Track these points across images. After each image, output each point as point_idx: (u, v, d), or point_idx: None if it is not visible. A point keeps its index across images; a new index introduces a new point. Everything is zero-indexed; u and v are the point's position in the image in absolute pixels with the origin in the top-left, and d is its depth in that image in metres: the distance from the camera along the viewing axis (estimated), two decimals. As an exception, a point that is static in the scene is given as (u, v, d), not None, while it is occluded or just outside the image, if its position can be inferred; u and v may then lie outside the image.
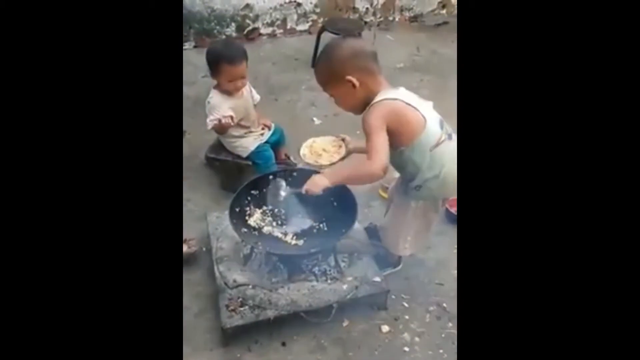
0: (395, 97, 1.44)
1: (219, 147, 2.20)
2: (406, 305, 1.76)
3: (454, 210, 2.14)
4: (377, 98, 1.45)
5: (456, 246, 2.00)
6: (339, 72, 1.44)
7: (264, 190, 1.82)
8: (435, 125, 1.47)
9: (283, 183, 1.76)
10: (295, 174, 1.87)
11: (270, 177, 1.85)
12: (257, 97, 2.29)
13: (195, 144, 2.51)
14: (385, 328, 1.66)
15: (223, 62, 2.00)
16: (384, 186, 2.24)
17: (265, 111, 2.59)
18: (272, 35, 3.76)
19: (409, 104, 1.44)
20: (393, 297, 1.78)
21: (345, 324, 1.68)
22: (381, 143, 1.38)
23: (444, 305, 1.76)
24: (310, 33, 3.78)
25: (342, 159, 1.67)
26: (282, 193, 1.73)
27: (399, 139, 1.44)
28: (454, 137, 1.50)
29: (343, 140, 1.71)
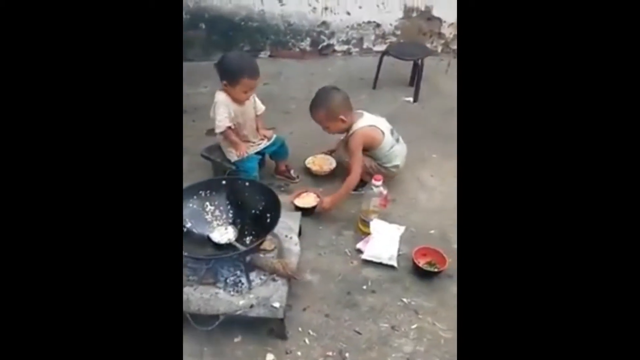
0: (365, 124, 2.24)
1: (214, 148, 2.35)
2: (307, 342, 1.65)
3: (420, 262, 1.92)
4: (355, 127, 2.25)
5: (402, 298, 1.81)
6: (335, 114, 2.21)
7: (213, 193, 1.90)
8: (389, 135, 2.28)
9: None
10: (247, 184, 1.91)
11: (223, 182, 1.92)
12: (261, 107, 2.38)
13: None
14: (269, 357, 1.59)
15: (244, 75, 2.10)
16: (364, 220, 2.12)
17: (300, 122, 2.68)
18: (347, 53, 3.79)
19: (373, 125, 2.26)
20: (299, 329, 1.69)
21: (237, 339, 1.65)
22: (357, 162, 2.20)
23: (346, 355, 1.60)
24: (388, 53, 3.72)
25: (334, 169, 2.50)
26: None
27: (371, 146, 2.27)
28: (400, 140, 2.36)
29: (330, 154, 2.58)
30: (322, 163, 2.52)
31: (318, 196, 2.28)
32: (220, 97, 2.19)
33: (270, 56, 3.72)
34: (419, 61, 3.14)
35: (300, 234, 2.05)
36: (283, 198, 2.34)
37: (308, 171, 2.51)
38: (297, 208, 2.24)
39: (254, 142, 2.35)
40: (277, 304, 1.63)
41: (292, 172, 2.49)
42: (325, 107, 2.21)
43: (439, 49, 3.78)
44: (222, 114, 2.17)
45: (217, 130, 2.22)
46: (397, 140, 2.33)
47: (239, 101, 2.21)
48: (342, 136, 2.39)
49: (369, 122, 2.25)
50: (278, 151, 2.42)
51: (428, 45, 3.58)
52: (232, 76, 2.12)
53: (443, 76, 3.46)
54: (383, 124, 2.30)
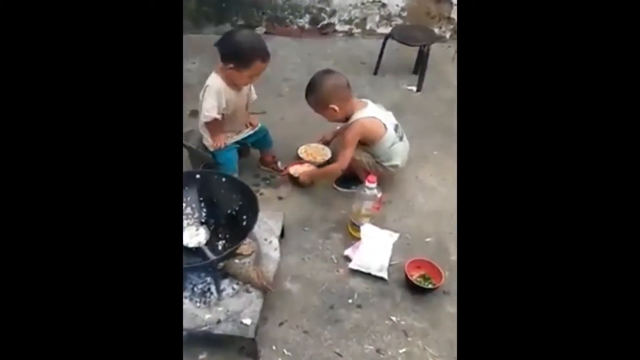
0: (366, 115, 2.00)
1: (191, 133, 2.12)
2: (280, 363, 1.47)
3: (413, 275, 1.73)
4: (354, 117, 2.02)
5: (391, 316, 1.63)
6: (325, 102, 1.98)
7: (185, 188, 1.69)
8: (391, 131, 2.06)
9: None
10: (224, 179, 1.70)
11: (197, 176, 1.71)
12: (254, 96, 2.14)
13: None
14: (236, 379, 1.42)
15: (257, 59, 1.84)
16: (354, 224, 1.92)
17: (293, 107, 2.46)
18: (349, 34, 3.53)
19: (375, 117, 2.02)
20: (274, 347, 1.50)
21: (202, 356, 1.47)
22: (347, 154, 2.01)
23: (324, 381, 1.43)
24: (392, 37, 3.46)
25: (328, 160, 2.23)
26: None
27: (370, 140, 2.05)
28: (404, 138, 2.14)
29: (326, 144, 2.34)
30: (315, 153, 2.28)
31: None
32: (214, 81, 1.92)
33: (265, 33, 3.44)
34: (425, 47, 2.89)
35: (282, 235, 1.85)
36: (268, 192, 2.15)
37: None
38: (292, 178, 2.19)
39: (239, 131, 2.12)
40: (248, 321, 1.44)
41: (279, 163, 2.27)
42: (315, 93, 1.98)
43: (447, 35, 3.52)
44: (212, 103, 1.92)
45: (203, 120, 1.97)
46: (401, 138, 2.10)
47: (238, 86, 1.95)
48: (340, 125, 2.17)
49: (371, 113, 2.01)
50: (261, 141, 2.20)
51: (436, 30, 3.32)
52: (244, 58, 1.83)
53: (450, 65, 3.19)
54: (388, 118, 2.07)
